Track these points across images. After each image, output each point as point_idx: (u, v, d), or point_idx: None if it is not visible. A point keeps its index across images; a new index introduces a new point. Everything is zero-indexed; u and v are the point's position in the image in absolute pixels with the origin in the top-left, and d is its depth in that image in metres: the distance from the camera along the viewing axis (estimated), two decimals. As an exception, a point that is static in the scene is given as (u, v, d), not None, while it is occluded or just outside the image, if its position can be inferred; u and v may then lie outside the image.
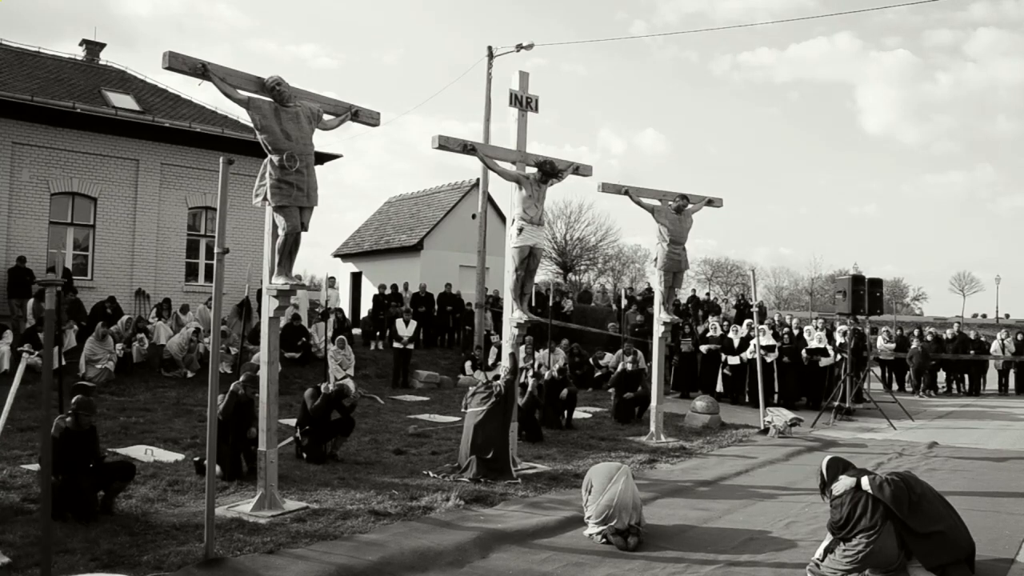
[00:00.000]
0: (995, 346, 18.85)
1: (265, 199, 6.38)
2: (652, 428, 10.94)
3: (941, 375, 19.17)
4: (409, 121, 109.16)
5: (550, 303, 18.28)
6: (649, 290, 19.93)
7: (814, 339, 15.45)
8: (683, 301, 20.36)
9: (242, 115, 7.31)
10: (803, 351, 15.16)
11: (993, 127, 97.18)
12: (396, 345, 16.07)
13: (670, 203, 10.88)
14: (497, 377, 8.73)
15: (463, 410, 8.64)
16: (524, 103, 9.15)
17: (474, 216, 21.22)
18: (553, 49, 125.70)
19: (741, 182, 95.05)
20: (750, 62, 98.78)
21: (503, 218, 19.96)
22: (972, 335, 19.33)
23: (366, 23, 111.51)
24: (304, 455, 8.39)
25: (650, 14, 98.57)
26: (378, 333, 18.44)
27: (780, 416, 11.88)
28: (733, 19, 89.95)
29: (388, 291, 19.50)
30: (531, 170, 8.86)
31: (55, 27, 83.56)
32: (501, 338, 9.94)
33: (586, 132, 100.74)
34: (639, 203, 10.73)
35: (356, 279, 27.10)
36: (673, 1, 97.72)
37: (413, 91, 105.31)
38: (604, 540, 5.92)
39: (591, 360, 17.06)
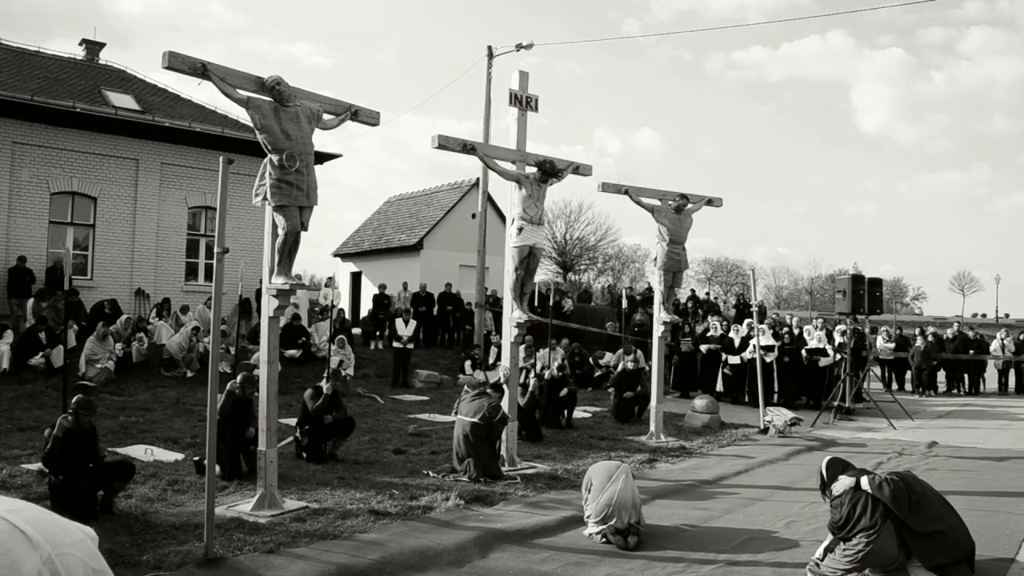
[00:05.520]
0: (995, 346, 18.84)
1: (265, 199, 6.38)
2: (652, 428, 10.94)
3: (941, 375, 19.17)
4: (405, 120, 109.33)
5: (550, 303, 18.28)
6: (649, 290, 19.93)
7: (813, 339, 15.45)
8: (683, 301, 20.37)
9: (242, 115, 7.32)
10: (803, 351, 15.17)
11: (988, 126, 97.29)
12: (396, 345, 16.07)
13: (670, 203, 10.87)
14: (495, 388, 8.69)
15: (454, 415, 8.66)
16: (524, 102, 9.14)
17: (474, 216, 21.22)
18: (548, 48, 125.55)
19: (738, 181, 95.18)
20: (744, 60, 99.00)
21: (503, 218, 19.94)
22: (972, 335, 19.34)
23: (359, 22, 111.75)
24: (304, 455, 8.39)
25: (643, 12, 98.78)
26: (378, 333, 18.44)
27: (780, 416, 11.89)
28: (725, 17, 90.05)
29: (379, 291, 19.51)
30: (531, 169, 8.86)
31: (47, 26, 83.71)
32: (501, 338, 9.94)
33: (582, 131, 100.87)
34: (639, 203, 10.72)
35: (356, 279, 27.11)
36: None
37: (407, 90, 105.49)
38: (604, 540, 5.92)
39: (591, 360, 17.05)
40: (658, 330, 11.32)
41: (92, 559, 1.26)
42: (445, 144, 8.39)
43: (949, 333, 19.41)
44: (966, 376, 18.97)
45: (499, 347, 12.82)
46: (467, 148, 8.53)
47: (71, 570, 1.18)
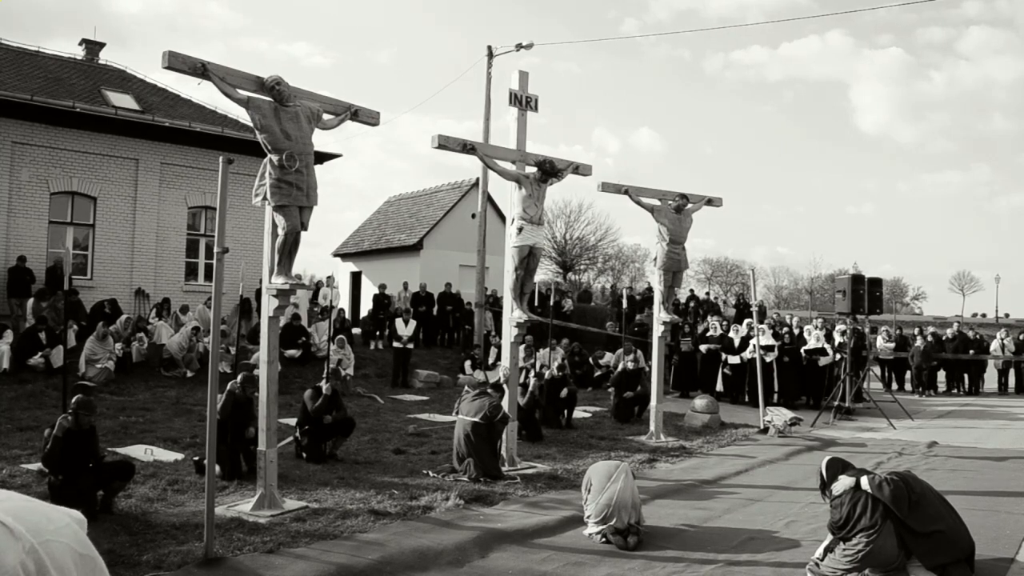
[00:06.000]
0: (995, 346, 18.85)
1: (265, 199, 6.38)
2: (652, 427, 10.94)
3: (941, 375, 19.18)
4: (405, 120, 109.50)
5: (550, 303, 18.29)
6: (649, 290, 19.94)
7: (813, 338, 15.45)
8: (682, 301, 20.38)
9: (242, 114, 7.33)
10: (802, 351, 15.16)
11: (987, 126, 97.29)
12: (396, 345, 16.06)
13: (670, 202, 10.87)
14: (496, 387, 8.68)
15: (455, 414, 8.67)
16: (524, 102, 9.14)
17: (474, 215, 21.22)
18: (548, 48, 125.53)
19: (738, 181, 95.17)
20: (743, 60, 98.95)
21: (503, 217, 19.94)
22: (972, 335, 19.35)
23: (359, 22, 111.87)
24: (304, 455, 8.39)
25: (641, 12, 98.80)
26: (378, 333, 18.44)
27: (780, 415, 11.89)
28: (724, 16, 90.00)
29: (379, 291, 19.52)
30: (531, 169, 8.86)
31: (47, 26, 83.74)
32: (501, 338, 9.94)
33: (581, 131, 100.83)
34: (639, 203, 10.72)
35: (356, 278, 27.11)
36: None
37: (407, 90, 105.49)
38: (604, 539, 5.92)
39: (591, 360, 17.05)
40: (658, 330, 11.32)
41: (79, 544, 1.24)
42: (445, 144, 8.39)
43: (949, 333, 19.42)
44: (966, 376, 18.97)
45: (499, 347, 12.83)
46: (467, 148, 8.52)
47: (56, 557, 1.16)
